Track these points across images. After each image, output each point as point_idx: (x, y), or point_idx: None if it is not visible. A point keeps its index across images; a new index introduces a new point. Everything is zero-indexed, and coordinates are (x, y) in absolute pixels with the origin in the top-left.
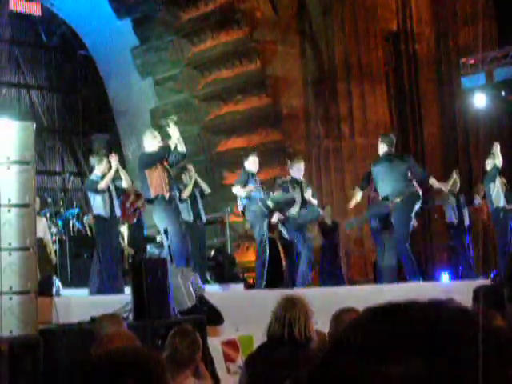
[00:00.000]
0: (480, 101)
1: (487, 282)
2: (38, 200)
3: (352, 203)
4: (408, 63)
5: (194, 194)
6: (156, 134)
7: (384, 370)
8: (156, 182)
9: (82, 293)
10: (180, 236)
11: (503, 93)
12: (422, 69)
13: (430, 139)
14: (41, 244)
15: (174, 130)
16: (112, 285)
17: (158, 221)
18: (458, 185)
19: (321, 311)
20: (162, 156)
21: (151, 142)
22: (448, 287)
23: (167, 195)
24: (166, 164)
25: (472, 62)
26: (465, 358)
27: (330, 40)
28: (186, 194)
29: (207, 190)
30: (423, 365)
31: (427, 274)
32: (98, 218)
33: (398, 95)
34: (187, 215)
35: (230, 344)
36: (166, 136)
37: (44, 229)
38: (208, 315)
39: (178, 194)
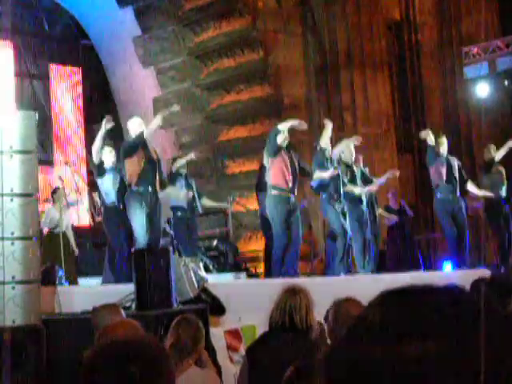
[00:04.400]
0: (483, 90)
1: (487, 271)
2: (62, 191)
3: None
4: (411, 52)
5: (190, 185)
6: (142, 121)
7: (399, 349)
8: (129, 172)
9: (84, 282)
10: (144, 227)
11: (506, 82)
12: (425, 58)
13: (433, 128)
14: (60, 236)
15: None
16: (122, 274)
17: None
18: None
19: (321, 300)
20: (135, 146)
21: (137, 130)
22: (450, 276)
23: (135, 188)
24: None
25: (475, 51)
26: (478, 342)
27: (333, 29)
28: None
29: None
30: (437, 346)
31: (430, 264)
32: (106, 206)
33: (400, 84)
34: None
35: (233, 333)
36: (169, 125)
37: (68, 220)
38: (210, 306)
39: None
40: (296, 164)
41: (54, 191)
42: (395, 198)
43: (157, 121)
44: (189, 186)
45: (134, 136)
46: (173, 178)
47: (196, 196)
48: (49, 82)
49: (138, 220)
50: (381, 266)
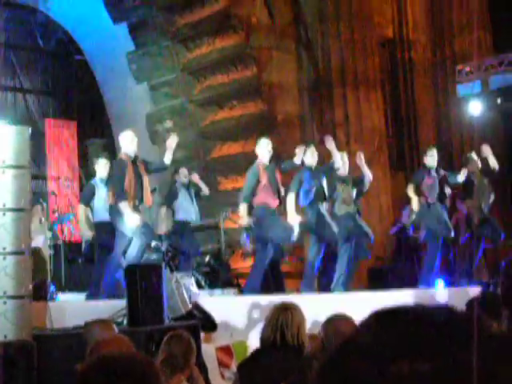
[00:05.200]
0: (475, 108)
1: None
2: (41, 205)
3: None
4: (404, 70)
5: (190, 195)
6: (134, 136)
7: (391, 369)
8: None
9: (76, 298)
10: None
11: (499, 100)
12: (418, 76)
13: (425, 146)
14: (41, 250)
15: (172, 142)
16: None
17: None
18: None
19: (315, 317)
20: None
21: (128, 145)
22: (443, 294)
23: (130, 203)
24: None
25: (468, 69)
26: (470, 361)
27: (326, 46)
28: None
29: (206, 191)
30: (430, 366)
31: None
32: (98, 222)
33: (393, 102)
34: (185, 215)
35: (224, 350)
36: (162, 141)
37: (45, 234)
38: (202, 322)
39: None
40: (277, 179)
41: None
42: (408, 215)
43: (170, 147)
44: (191, 197)
45: (126, 150)
46: (176, 189)
47: (196, 207)
48: (42, 97)
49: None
50: (382, 283)
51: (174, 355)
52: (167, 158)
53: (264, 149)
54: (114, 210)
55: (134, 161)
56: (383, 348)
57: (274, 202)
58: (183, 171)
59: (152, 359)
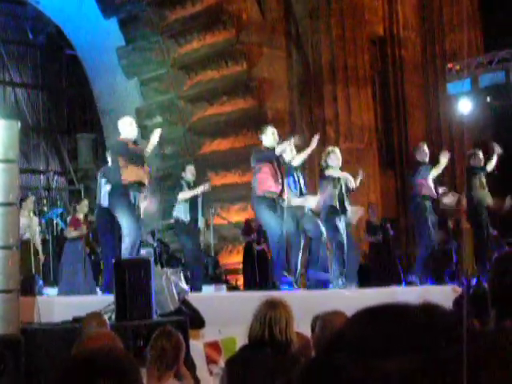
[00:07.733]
0: (465, 106)
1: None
2: (33, 198)
3: None
4: (394, 67)
5: (195, 198)
6: (133, 121)
7: (380, 366)
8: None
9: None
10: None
11: (488, 99)
12: (408, 73)
13: (415, 144)
14: (30, 243)
15: (156, 135)
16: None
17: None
18: None
19: (304, 314)
20: (133, 158)
21: (127, 129)
22: (428, 291)
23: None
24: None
25: (458, 67)
26: (457, 358)
27: (316, 43)
28: (183, 195)
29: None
30: (418, 362)
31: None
32: (102, 209)
33: (383, 99)
34: (184, 215)
35: (213, 346)
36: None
37: (35, 228)
38: (190, 318)
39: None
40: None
41: (23, 199)
42: (375, 213)
43: (154, 139)
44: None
45: (125, 135)
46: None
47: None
48: (32, 91)
49: (128, 218)
50: (364, 281)
51: (163, 352)
52: (148, 149)
53: (270, 136)
54: (114, 195)
55: (135, 144)
56: (370, 344)
57: (277, 189)
58: (190, 169)
59: (131, 355)
